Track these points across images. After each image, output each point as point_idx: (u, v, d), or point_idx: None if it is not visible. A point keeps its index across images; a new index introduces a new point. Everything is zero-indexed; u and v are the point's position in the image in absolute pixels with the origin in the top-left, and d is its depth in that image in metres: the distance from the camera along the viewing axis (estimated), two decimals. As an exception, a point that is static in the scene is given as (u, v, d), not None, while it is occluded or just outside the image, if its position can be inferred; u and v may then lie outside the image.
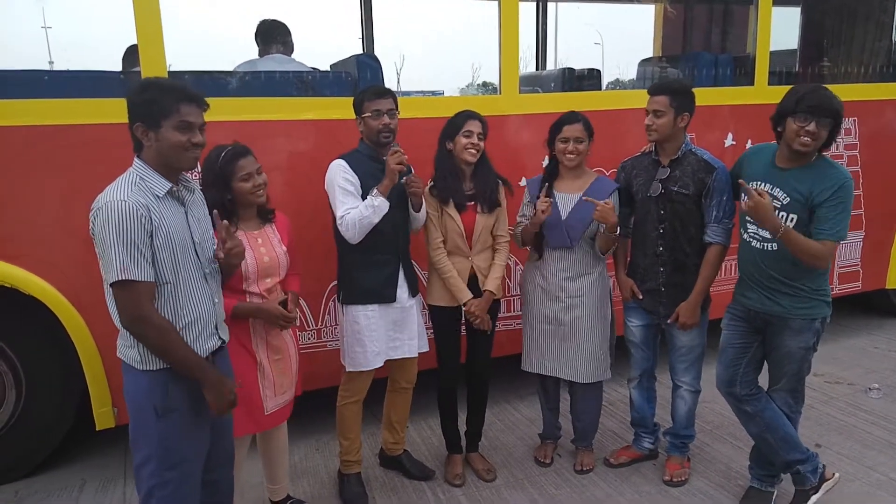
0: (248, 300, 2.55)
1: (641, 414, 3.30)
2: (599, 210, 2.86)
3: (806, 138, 2.47)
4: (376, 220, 2.74)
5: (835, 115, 2.46)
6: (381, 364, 2.93)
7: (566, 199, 3.04)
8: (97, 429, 3.18)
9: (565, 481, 3.20)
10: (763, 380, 2.83)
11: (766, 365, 2.82)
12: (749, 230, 2.70)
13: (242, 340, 2.54)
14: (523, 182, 3.45)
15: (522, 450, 3.50)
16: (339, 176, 2.78)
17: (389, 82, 6.87)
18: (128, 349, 2.07)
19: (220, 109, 3.11)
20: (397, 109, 2.87)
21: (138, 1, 2.94)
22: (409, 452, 3.33)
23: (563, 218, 3.01)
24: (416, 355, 3.05)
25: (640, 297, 3.09)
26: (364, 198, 2.77)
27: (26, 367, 3.21)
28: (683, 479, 3.15)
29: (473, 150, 2.92)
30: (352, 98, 2.93)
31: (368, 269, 2.88)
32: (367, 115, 2.81)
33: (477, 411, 3.31)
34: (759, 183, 2.64)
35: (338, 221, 2.76)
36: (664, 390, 3.30)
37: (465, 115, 2.95)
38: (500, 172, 3.13)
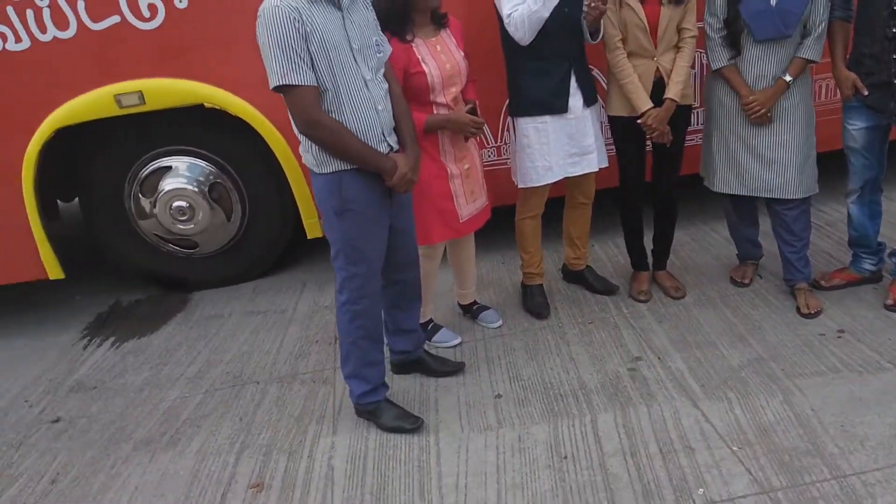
0: (435, 112, 2.55)
1: (861, 232, 2.87)
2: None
3: None
4: (546, 14, 2.51)
5: None
6: (555, 180, 2.82)
7: None
8: (307, 237, 3.55)
9: (764, 301, 2.97)
10: None
11: None
12: None
13: (431, 153, 2.59)
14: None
15: (718, 270, 3.28)
16: None
17: None
18: (306, 154, 2.21)
19: None
20: None
21: None
22: (593, 268, 3.30)
23: (773, 2, 2.53)
24: (596, 170, 2.90)
25: (866, 93, 2.57)
26: None
27: (248, 185, 3.61)
28: (910, 304, 2.77)
29: None
30: None
31: (537, 77, 2.70)
32: None
33: (663, 231, 3.13)
34: None
35: (505, 21, 2.57)
36: (891, 206, 2.83)
37: None
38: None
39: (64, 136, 3.27)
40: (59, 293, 3.84)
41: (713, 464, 2.11)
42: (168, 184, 3.51)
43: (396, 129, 2.30)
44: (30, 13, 3.04)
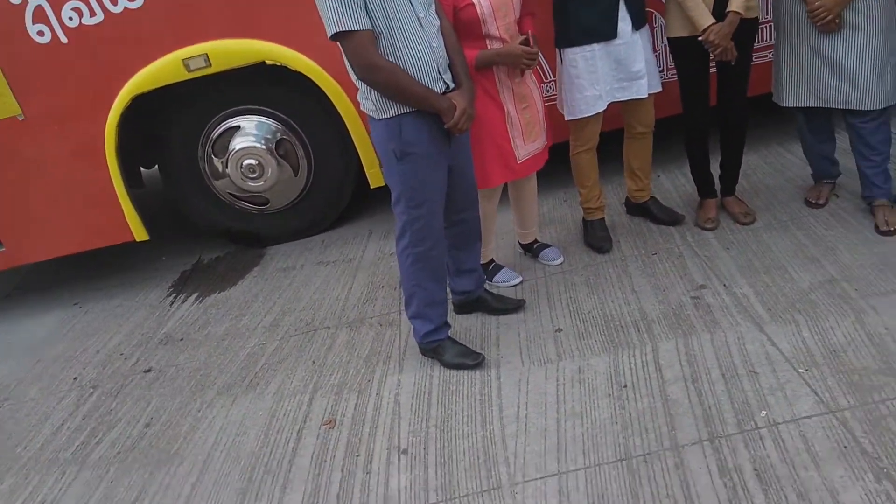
0: (489, 46, 2.52)
1: (951, 141, 2.67)
2: None
3: None
4: None
5: None
6: (604, 108, 2.74)
7: None
8: (370, 187, 3.62)
9: (840, 221, 2.82)
10: None
11: None
12: None
13: (489, 90, 2.56)
14: None
15: (791, 192, 3.13)
16: None
17: None
18: (365, 101, 2.24)
19: None
20: None
21: None
22: (658, 199, 3.20)
23: None
24: (646, 96, 2.79)
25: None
26: None
27: (312, 139, 3.70)
28: None
29: None
30: None
31: (585, 3, 2.60)
32: None
33: (732, 155, 2.99)
34: None
35: None
36: None
37: None
38: None
39: (141, 105, 3.44)
40: (146, 255, 4.11)
41: (777, 386, 2.06)
42: (237, 143, 3.64)
43: (450, 66, 2.29)
44: (102, -15, 3.18)
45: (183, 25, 3.28)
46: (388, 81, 2.11)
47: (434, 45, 2.19)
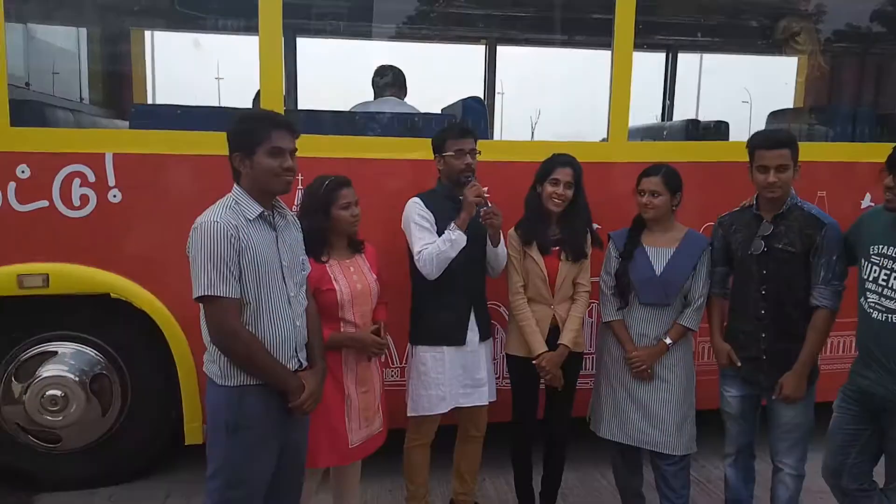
0: (342, 329, 2.60)
1: (736, 496, 2.94)
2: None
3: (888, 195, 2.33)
4: (453, 255, 2.72)
5: None
6: (446, 410, 2.85)
7: (658, 253, 2.85)
8: (185, 443, 3.33)
9: (647, 559, 2.92)
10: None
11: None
12: (869, 299, 2.40)
13: (334, 371, 2.58)
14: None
15: (603, 519, 3.25)
16: (415, 213, 2.80)
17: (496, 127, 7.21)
18: (211, 364, 2.18)
19: (326, 146, 3.24)
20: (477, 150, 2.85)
21: (263, 52, 3.20)
22: (480, 505, 3.19)
23: (658, 273, 2.83)
24: (486, 404, 2.94)
25: (739, 364, 2.79)
26: (440, 235, 2.75)
27: (134, 380, 3.41)
28: (783, 574, 2.77)
29: (557, 201, 2.85)
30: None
31: (439, 309, 2.85)
32: (448, 153, 2.81)
33: (552, 473, 3.13)
34: (880, 247, 2.36)
35: (415, 257, 2.76)
36: (766, 468, 2.93)
37: (556, 161, 2.88)
38: (600, 222, 3.03)
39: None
40: None
41: None
42: (47, 370, 3.27)
43: (307, 345, 2.32)
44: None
45: (28, 241, 3.13)
46: (244, 352, 2.10)
47: (297, 323, 2.25)
